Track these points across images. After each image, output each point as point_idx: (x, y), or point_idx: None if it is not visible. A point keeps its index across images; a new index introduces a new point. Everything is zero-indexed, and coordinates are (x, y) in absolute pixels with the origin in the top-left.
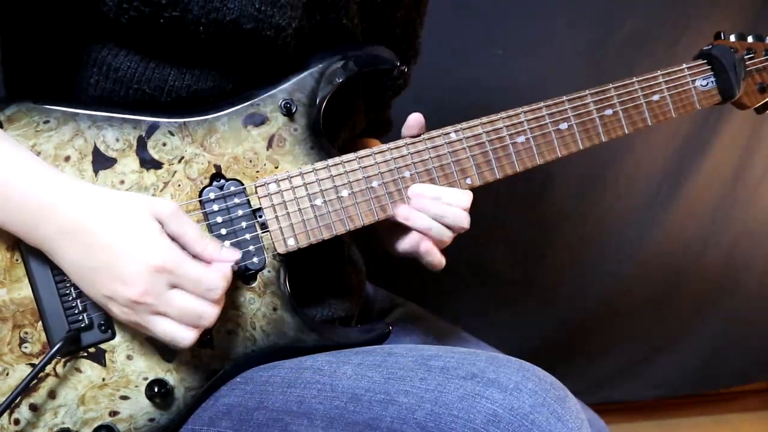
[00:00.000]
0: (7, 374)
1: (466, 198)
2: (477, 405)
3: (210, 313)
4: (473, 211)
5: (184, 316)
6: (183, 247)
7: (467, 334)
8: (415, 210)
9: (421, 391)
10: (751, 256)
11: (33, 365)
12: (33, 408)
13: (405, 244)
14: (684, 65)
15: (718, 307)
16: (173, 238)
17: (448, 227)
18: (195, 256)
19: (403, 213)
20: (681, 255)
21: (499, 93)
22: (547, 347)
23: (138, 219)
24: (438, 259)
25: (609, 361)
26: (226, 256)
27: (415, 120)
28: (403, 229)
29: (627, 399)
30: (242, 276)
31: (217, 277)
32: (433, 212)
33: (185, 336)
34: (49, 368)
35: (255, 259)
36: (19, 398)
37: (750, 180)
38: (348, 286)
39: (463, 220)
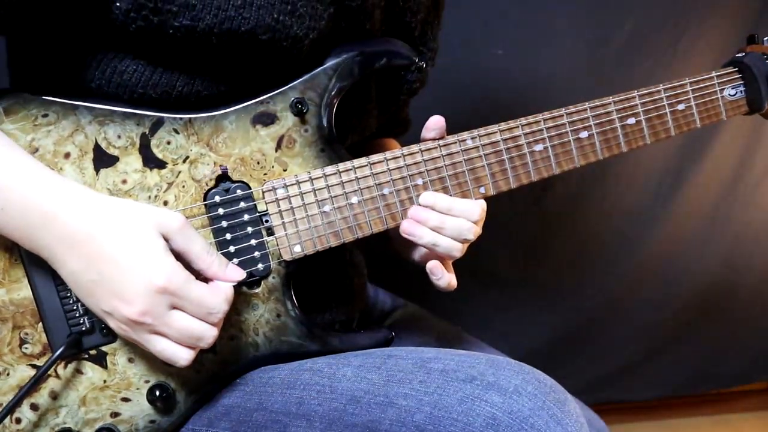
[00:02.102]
0: (8, 374)
1: (478, 209)
2: (476, 408)
3: (209, 334)
4: None
5: (183, 337)
6: (188, 263)
7: (468, 335)
8: (419, 225)
9: (420, 394)
10: (751, 256)
11: (34, 366)
12: (34, 408)
13: (416, 255)
14: (713, 73)
15: (718, 307)
16: (178, 254)
17: (454, 240)
18: (199, 272)
19: (407, 229)
20: (681, 255)
21: (500, 93)
22: (547, 347)
23: (143, 234)
24: (446, 281)
25: (609, 361)
26: (231, 274)
27: (434, 123)
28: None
29: (627, 399)
30: (246, 282)
31: (220, 300)
32: (433, 224)
33: (183, 356)
34: (50, 370)
35: (260, 266)
36: None
37: (750, 180)
38: (350, 289)
39: (468, 232)
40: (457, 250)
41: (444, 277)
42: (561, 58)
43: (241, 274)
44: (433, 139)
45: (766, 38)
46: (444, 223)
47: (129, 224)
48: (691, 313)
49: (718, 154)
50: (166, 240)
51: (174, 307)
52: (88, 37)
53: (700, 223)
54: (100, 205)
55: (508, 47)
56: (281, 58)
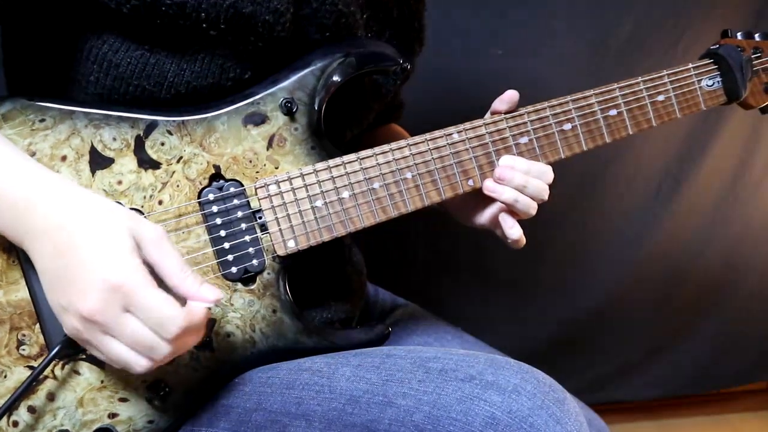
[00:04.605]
0: (5, 376)
1: (551, 172)
2: (475, 407)
3: (161, 349)
4: None
5: (136, 344)
6: (160, 278)
7: (467, 335)
8: (500, 183)
9: (419, 394)
10: (751, 256)
11: (31, 367)
12: (31, 410)
13: (484, 217)
14: (690, 65)
15: (718, 307)
16: (151, 266)
17: (531, 198)
18: (171, 288)
19: (491, 186)
20: (681, 255)
21: (499, 93)
22: (547, 347)
23: (113, 230)
24: (519, 232)
25: (609, 361)
26: (205, 294)
27: (509, 96)
28: (483, 203)
29: (627, 399)
30: (242, 278)
31: (176, 315)
32: (517, 183)
33: (137, 362)
34: (47, 371)
35: (254, 262)
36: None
37: (750, 180)
38: (349, 287)
39: (545, 192)
40: (534, 208)
41: (516, 227)
42: (561, 58)
43: (216, 294)
44: (502, 112)
45: (739, 32)
46: (527, 183)
47: (101, 218)
48: (691, 312)
49: (718, 154)
50: (140, 247)
51: (127, 310)
52: (82, 29)
53: (700, 223)
54: (76, 197)
55: (508, 47)
56: (267, 37)
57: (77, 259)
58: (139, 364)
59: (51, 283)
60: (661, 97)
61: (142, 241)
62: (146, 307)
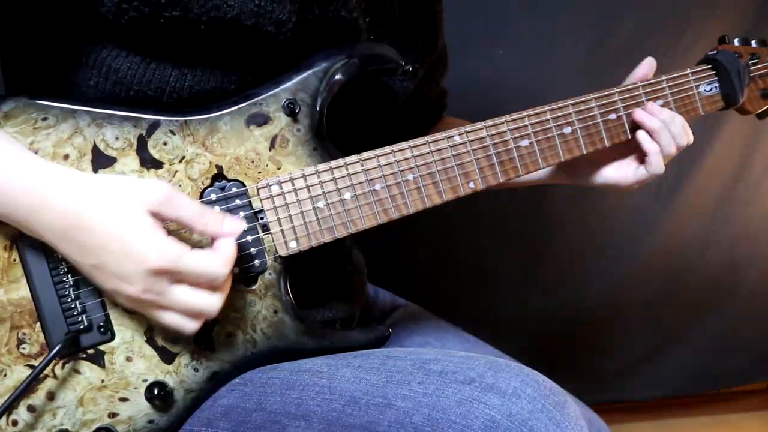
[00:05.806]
0: (5, 375)
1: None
2: (475, 410)
3: (212, 305)
4: (472, 210)
5: (187, 310)
6: (187, 229)
7: (467, 335)
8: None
9: (419, 396)
10: (751, 256)
11: (31, 366)
12: (31, 409)
13: (600, 177)
14: (688, 70)
15: (719, 307)
16: (175, 222)
17: (672, 138)
18: (201, 234)
19: (639, 116)
20: (681, 255)
21: (500, 93)
22: (547, 347)
23: (130, 215)
24: (657, 149)
25: (609, 361)
26: (229, 229)
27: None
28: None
29: (627, 399)
30: (243, 278)
31: (218, 265)
32: (665, 116)
33: (189, 326)
34: (47, 370)
35: (256, 262)
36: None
37: (750, 180)
38: (349, 287)
39: (685, 137)
40: (673, 147)
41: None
42: (561, 58)
43: (240, 225)
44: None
45: (736, 39)
46: (674, 119)
47: (115, 207)
48: (691, 312)
49: (718, 154)
50: (156, 213)
51: (176, 282)
52: (81, 35)
53: (701, 223)
54: (83, 187)
55: (508, 47)
56: (269, 46)
57: (108, 254)
58: (191, 327)
59: (90, 274)
60: (660, 102)
61: (155, 208)
62: (191, 273)
